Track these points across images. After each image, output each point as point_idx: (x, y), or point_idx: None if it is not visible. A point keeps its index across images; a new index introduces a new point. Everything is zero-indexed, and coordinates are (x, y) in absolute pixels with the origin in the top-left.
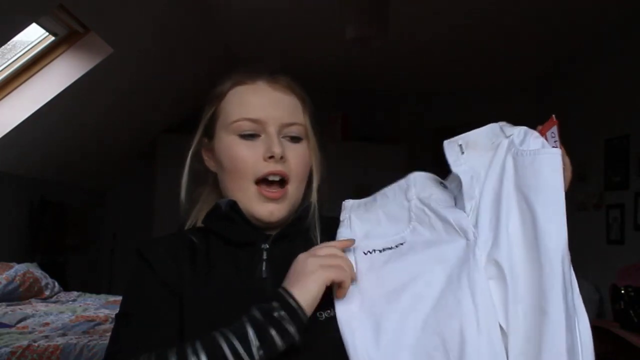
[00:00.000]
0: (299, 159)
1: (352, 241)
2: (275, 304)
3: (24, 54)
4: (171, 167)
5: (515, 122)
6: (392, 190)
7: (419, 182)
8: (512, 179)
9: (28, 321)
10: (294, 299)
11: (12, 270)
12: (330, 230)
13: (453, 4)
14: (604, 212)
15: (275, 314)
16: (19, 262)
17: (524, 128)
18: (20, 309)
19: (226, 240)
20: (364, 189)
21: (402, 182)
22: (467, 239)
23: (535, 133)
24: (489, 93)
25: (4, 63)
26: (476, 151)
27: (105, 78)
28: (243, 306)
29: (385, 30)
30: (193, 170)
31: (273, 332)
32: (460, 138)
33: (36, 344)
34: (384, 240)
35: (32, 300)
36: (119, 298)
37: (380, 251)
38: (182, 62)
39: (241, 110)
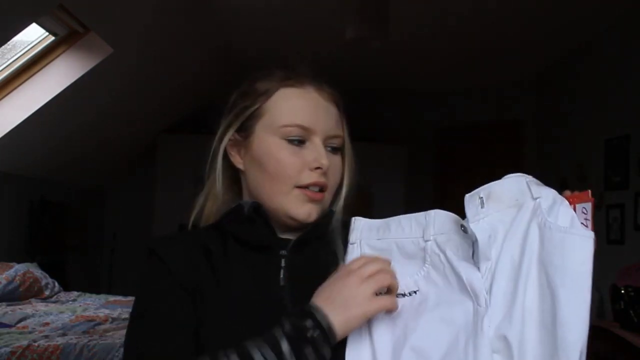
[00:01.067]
0: (335, 169)
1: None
2: (309, 323)
3: (24, 54)
4: (171, 167)
5: (515, 121)
6: (408, 222)
7: (438, 221)
8: (536, 251)
9: (28, 321)
10: (329, 323)
11: (12, 270)
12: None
13: (453, 4)
14: (604, 212)
15: (309, 334)
16: (19, 262)
17: (552, 193)
18: (20, 309)
19: (243, 243)
20: (364, 189)
21: (420, 217)
22: (478, 304)
23: (565, 202)
24: (489, 93)
25: (4, 63)
26: (497, 205)
27: (105, 78)
28: (260, 313)
29: (385, 30)
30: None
31: (308, 351)
32: (482, 190)
33: (36, 344)
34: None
35: (32, 300)
36: (119, 298)
37: None
38: (182, 62)
39: (292, 115)
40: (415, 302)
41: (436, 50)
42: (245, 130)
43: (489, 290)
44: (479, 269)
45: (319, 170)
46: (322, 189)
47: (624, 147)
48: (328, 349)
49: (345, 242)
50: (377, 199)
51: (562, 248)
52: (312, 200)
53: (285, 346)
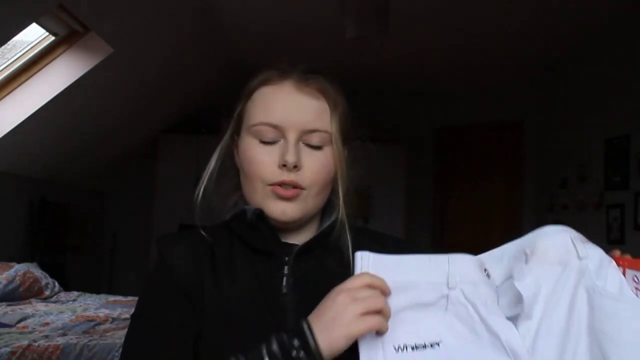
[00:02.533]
0: (318, 166)
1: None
2: (295, 343)
3: (24, 54)
4: (171, 167)
5: (515, 121)
6: (427, 265)
7: (463, 268)
8: (585, 317)
9: (28, 321)
10: (316, 343)
11: (12, 270)
12: (361, 244)
13: (453, 4)
14: (604, 212)
15: (294, 354)
16: (19, 262)
17: (598, 253)
18: (20, 308)
19: (249, 246)
20: (364, 190)
21: (442, 261)
22: None
23: (613, 264)
24: (488, 93)
25: (4, 63)
26: (541, 262)
27: (105, 78)
28: (260, 320)
29: (385, 30)
30: (223, 166)
31: None
32: (527, 245)
33: (36, 344)
34: (415, 333)
35: (32, 300)
36: (119, 298)
37: (412, 348)
38: (182, 62)
39: (262, 114)
40: (440, 357)
41: (436, 50)
42: (238, 133)
43: (532, 353)
44: (510, 320)
45: (285, 168)
46: (295, 186)
47: (624, 147)
48: None
49: (354, 245)
50: (376, 199)
51: (614, 317)
52: (283, 198)
53: None
